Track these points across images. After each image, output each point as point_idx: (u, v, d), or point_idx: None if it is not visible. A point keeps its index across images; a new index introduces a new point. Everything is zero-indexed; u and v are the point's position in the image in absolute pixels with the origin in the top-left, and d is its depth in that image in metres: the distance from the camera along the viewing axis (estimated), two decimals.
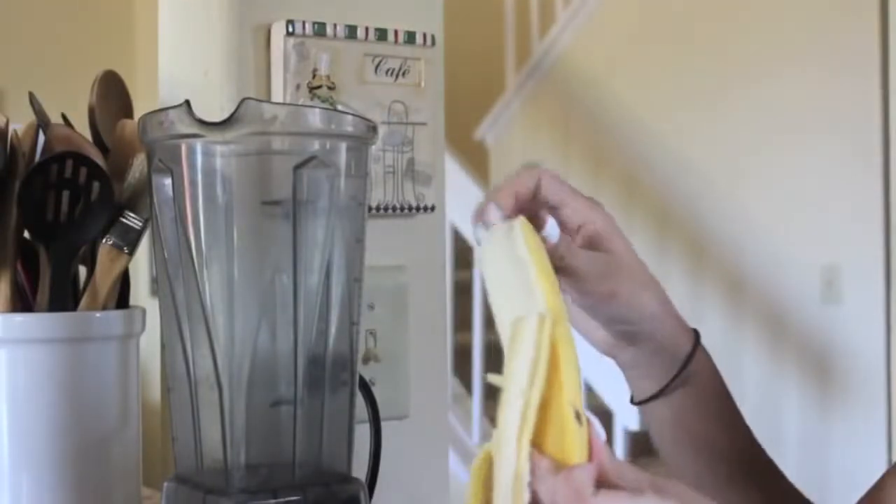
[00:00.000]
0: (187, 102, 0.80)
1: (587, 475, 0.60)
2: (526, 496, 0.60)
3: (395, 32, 1.06)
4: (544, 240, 0.73)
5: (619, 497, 0.60)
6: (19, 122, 1.00)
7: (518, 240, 0.67)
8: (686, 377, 0.84)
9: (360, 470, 0.91)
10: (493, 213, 0.74)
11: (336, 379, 0.85)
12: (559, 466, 0.60)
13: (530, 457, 0.60)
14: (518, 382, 0.60)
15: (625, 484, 0.61)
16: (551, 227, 0.75)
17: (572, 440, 0.61)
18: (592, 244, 0.78)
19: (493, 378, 0.64)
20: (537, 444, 0.61)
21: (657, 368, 0.83)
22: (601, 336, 0.82)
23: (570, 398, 0.61)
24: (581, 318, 0.81)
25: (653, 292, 0.80)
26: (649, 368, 0.83)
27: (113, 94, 1.05)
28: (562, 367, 0.61)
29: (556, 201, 0.77)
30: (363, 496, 0.85)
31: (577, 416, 0.61)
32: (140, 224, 0.96)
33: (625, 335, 0.81)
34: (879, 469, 0.85)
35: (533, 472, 0.60)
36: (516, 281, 0.66)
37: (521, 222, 0.69)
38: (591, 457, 0.61)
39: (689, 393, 0.84)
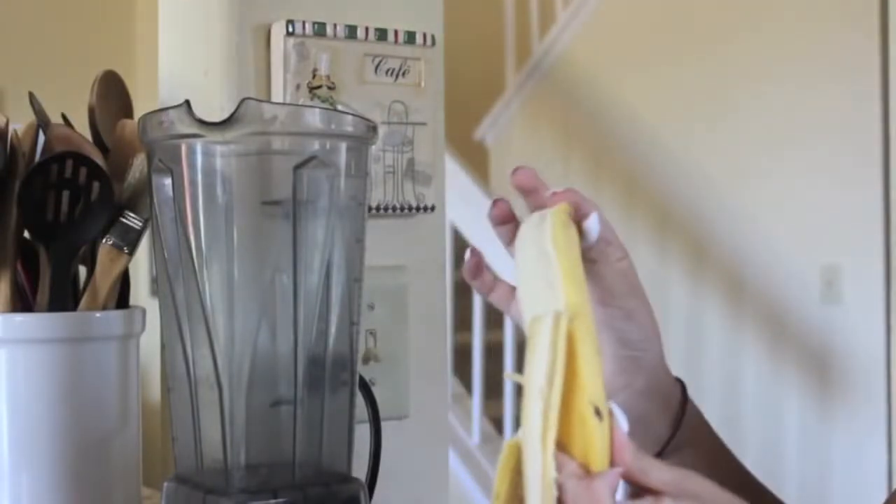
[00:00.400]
0: (187, 102, 0.80)
1: (606, 485, 0.60)
2: (554, 492, 0.60)
3: (395, 32, 1.06)
4: (582, 234, 0.73)
5: None
6: (19, 122, 1.00)
7: (546, 231, 0.67)
8: (679, 444, 0.82)
9: (360, 470, 0.91)
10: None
11: (336, 379, 0.85)
12: (583, 466, 0.61)
13: (556, 457, 0.60)
14: (536, 383, 0.60)
15: (648, 481, 0.61)
16: (592, 223, 0.73)
17: (593, 437, 0.61)
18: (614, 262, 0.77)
19: (514, 377, 0.64)
20: (563, 442, 0.61)
21: (651, 417, 0.81)
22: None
23: (588, 396, 0.61)
24: None
25: (656, 323, 0.80)
26: (643, 415, 0.80)
27: (113, 94, 1.05)
28: (580, 363, 0.61)
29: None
30: (363, 496, 0.85)
31: (598, 413, 0.61)
32: (140, 224, 0.96)
33: (629, 362, 0.79)
34: (879, 469, 0.85)
35: (560, 471, 0.60)
36: (540, 273, 0.65)
37: (554, 213, 0.68)
38: (612, 455, 0.61)
39: (686, 459, 0.81)
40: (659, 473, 0.62)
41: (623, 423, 0.62)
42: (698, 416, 0.84)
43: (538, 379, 0.60)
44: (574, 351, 0.61)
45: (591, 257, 0.74)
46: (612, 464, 0.61)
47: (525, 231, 0.70)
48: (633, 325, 0.78)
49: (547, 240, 0.67)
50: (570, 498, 0.60)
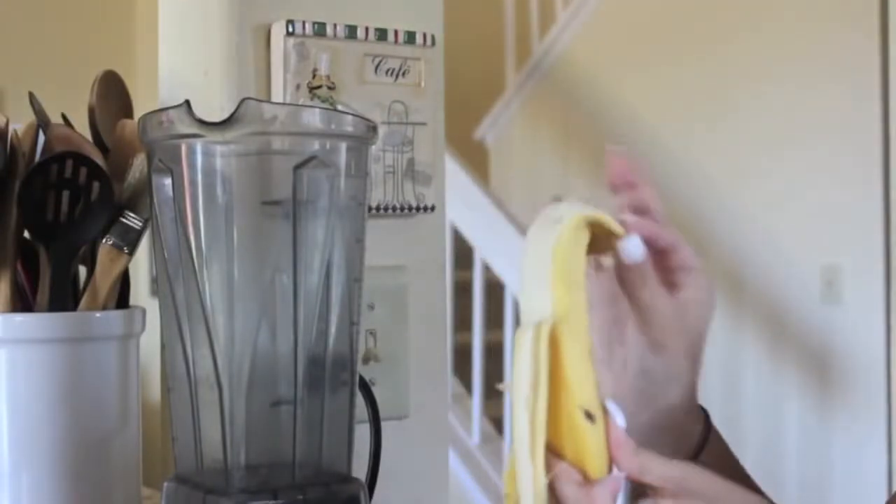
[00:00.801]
0: (187, 102, 0.80)
1: (606, 491, 0.60)
2: (545, 499, 0.60)
3: (395, 32, 1.06)
4: (616, 252, 0.69)
5: None
6: (19, 122, 1.00)
7: (554, 233, 0.65)
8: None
9: (360, 470, 0.91)
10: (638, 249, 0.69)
11: (336, 379, 0.85)
12: (578, 470, 0.60)
13: (549, 462, 0.60)
14: (522, 394, 0.60)
15: (648, 479, 0.61)
16: (627, 245, 0.69)
17: (585, 441, 0.61)
18: (677, 291, 0.73)
19: (503, 385, 0.64)
20: (555, 447, 0.61)
21: (662, 449, 0.74)
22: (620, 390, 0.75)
23: (577, 400, 0.61)
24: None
25: (694, 365, 0.75)
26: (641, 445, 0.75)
27: (113, 94, 1.05)
28: (566, 369, 0.61)
29: (670, 244, 0.72)
30: (363, 496, 0.85)
31: (589, 416, 0.61)
32: (140, 224, 0.96)
33: (640, 395, 0.74)
34: (879, 469, 0.84)
35: (548, 472, 0.60)
36: (538, 273, 0.65)
37: (570, 220, 0.65)
38: (610, 453, 0.61)
39: None
40: (660, 469, 0.61)
41: (619, 420, 0.62)
42: (719, 446, 0.79)
43: (523, 389, 0.60)
44: (559, 356, 0.61)
45: (632, 278, 0.71)
46: (611, 462, 0.61)
47: (532, 231, 0.68)
48: (659, 360, 0.74)
49: (547, 241, 0.66)
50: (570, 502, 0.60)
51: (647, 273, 0.71)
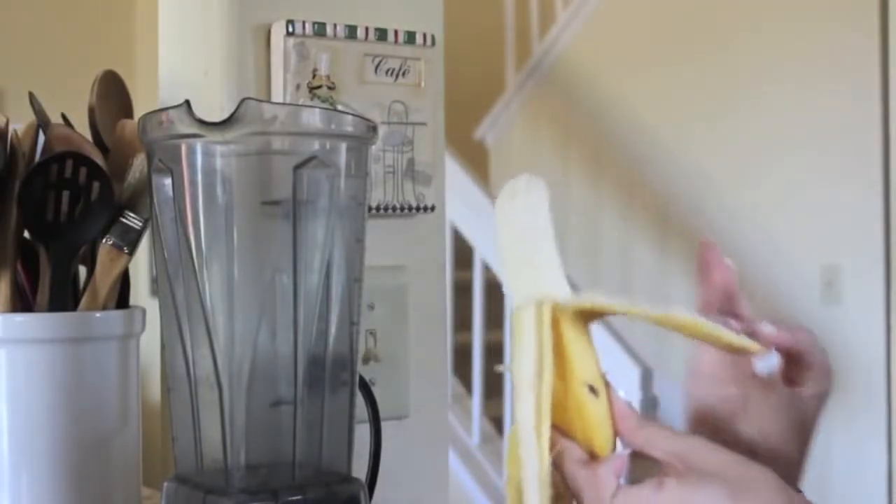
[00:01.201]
0: (187, 102, 0.80)
1: (611, 471, 0.60)
2: (550, 479, 0.60)
3: (395, 32, 1.06)
4: (742, 347, 0.67)
5: (640, 496, 0.59)
6: (19, 122, 1.00)
7: (529, 204, 0.64)
8: None
9: (360, 470, 0.91)
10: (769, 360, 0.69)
11: (336, 379, 0.85)
12: (586, 447, 0.60)
13: (553, 441, 0.60)
14: (526, 378, 0.60)
15: (654, 453, 0.61)
16: (772, 361, 0.69)
17: (589, 416, 0.61)
18: (798, 387, 0.72)
19: (502, 367, 0.64)
20: (564, 426, 0.61)
21: None
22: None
23: (582, 378, 0.61)
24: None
25: (804, 453, 0.73)
26: None
27: (113, 94, 1.05)
28: (567, 347, 0.61)
29: (804, 348, 0.72)
30: (363, 496, 0.85)
31: (592, 390, 0.61)
32: (140, 224, 0.96)
33: None
34: (879, 469, 0.84)
35: (552, 449, 0.60)
36: (523, 249, 0.64)
37: (544, 190, 0.65)
38: (614, 425, 0.61)
39: None
40: (666, 443, 0.61)
41: (622, 392, 0.62)
42: None
43: (527, 372, 0.60)
44: (560, 334, 0.61)
45: (761, 382, 0.70)
46: (615, 436, 0.62)
47: (510, 203, 0.66)
48: (770, 454, 0.70)
49: (524, 212, 0.64)
50: (575, 484, 0.60)
51: (775, 380, 0.71)
